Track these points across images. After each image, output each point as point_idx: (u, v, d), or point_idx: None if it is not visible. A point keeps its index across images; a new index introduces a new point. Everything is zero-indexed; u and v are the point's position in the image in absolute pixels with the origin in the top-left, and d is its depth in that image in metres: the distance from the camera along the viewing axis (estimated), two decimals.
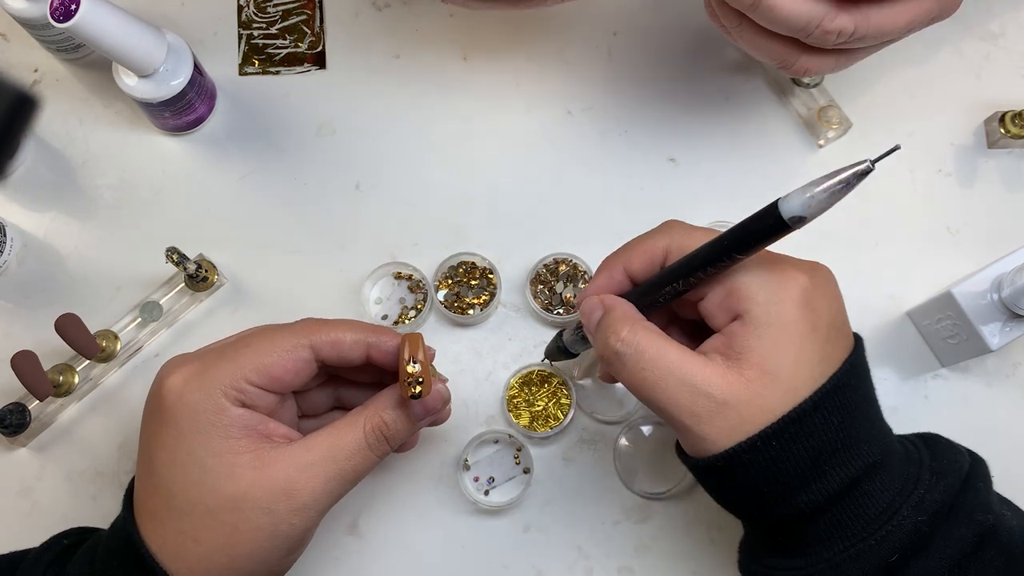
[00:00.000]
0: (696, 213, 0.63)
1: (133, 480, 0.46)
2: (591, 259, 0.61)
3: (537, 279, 0.62)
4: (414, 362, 0.43)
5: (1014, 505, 0.45)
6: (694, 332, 0.47)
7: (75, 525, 0.50)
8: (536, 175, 0.65)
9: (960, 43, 0.66)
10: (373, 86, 0.66)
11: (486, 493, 0.58)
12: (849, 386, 0.41)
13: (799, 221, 0.35)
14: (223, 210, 0.64)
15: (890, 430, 0.44)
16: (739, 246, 0.38)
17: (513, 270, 0.62)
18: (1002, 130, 0.62)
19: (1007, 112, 0.63)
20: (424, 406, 0.46)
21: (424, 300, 0.61)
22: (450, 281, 0.61)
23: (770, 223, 0.36)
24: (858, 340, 0.44)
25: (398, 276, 0.62)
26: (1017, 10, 0.67)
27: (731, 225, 0.60)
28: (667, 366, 0.40)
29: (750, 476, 0.40)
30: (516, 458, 0.59)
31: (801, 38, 0.47)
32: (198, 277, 0.60)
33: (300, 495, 0.42)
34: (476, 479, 0.59)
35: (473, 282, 0.61)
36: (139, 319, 0.60)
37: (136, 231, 0.63)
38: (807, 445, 0.39)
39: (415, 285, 0.62)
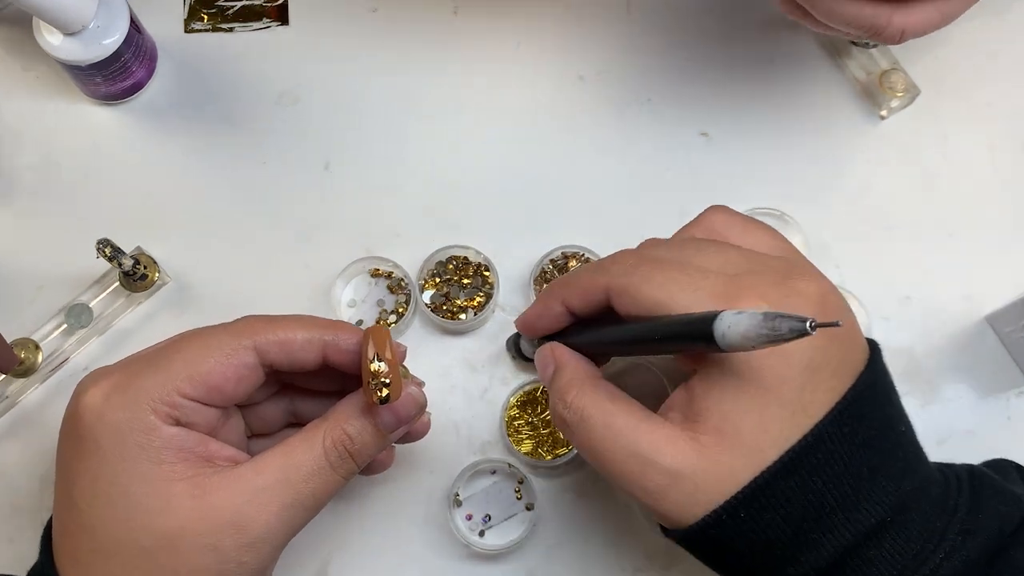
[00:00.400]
0: (733, 197, 0.56)
1: (51, 519, 0.43)
2: (604, 250, 0.57)
3: (542, 277, 0.58)
4: (379, 360, 0.41)
5: None
6: None
7: None
8: (541, 153, 0.61)
9: None
10: (346, 46, 0.63)
11: (481, 534, 0.55)
12: (840, 435, 0.38)
13: (728, 349, 0.34)
14: (166, 195, 0.60)
15: (921, 468, 0.41)
16: (666, 345, 0.39)
17: (513, 267, 0.59)
18: None
19: None
20: (394, 413, 0.44)
21: (407, 303, 0.57)
22: (438, 280, 0.58)
23: (702, 335, 0.35)
24: (872, 358, 0.41)
25: (375, 274, 0.58)
26: None
27: (770, 212, 0.59)
28: (614, 435, 0.40)
29: (728, 550, 0.39)
30: (517, 492, 0.55)
31: None
32: (135, 275, 0.56)
33: (250, 527, 0.40)
34: (469, 517, 0.55)
35: (465, 281, 0.58)
36: (64, 325, 0.56)
37: (61, 220, 0.60)
38: (783, 514, 0.38)
39: (396, 284, 0.58)
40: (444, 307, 0.57)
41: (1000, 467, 0.45)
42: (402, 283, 0.58)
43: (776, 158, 0.61)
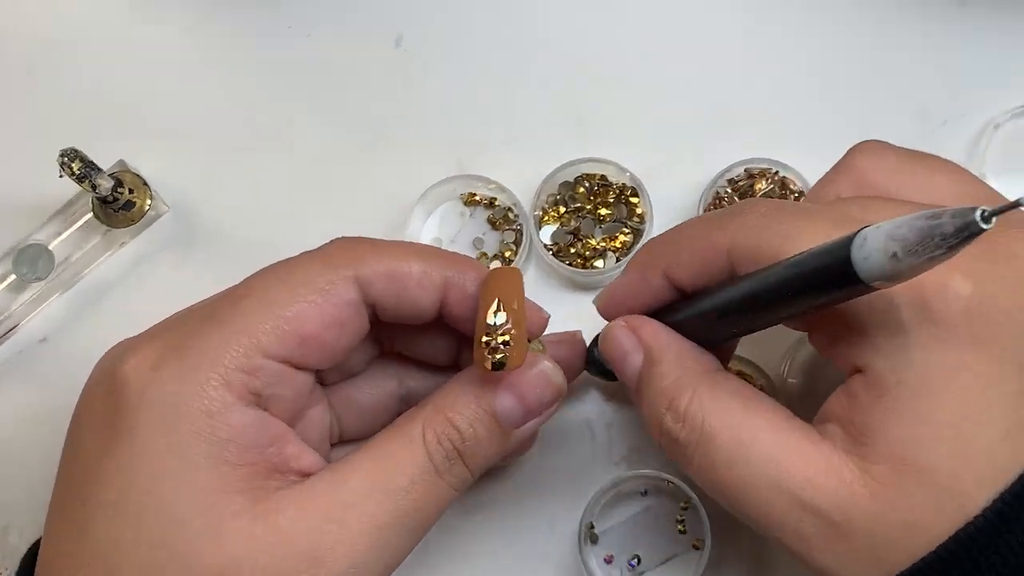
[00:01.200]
0: (997, 90, 0.51)
1: (35, 548, 0.38)
2: (810, 172, 0.47)
3: (717, 202, 0.49)
4: (501, 311, 0.37)
5: None
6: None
7: None
8: (714, 21, 0.52)
9: None
10: None
11: None
12: None
13: (883, 284, 0.29)
14: (160, 85, 0.52)
15: None
16: (800, 299, 0.32)
17: (672, 189, 0.49)
18: None
19: None
20: (519, 396, 0.38)
21: (516, 243, 0.49)
22: (563, 209, 0.49)
23: (837, 270, 0.29)
24: None
25: (470, 200, 0.50)
26: None
27: None
28: (751, 461, 0.34)
29: None
30: (680, 522, 0.47)
31: None
32: (117, 202, 0.48)
33: (333, 558, 0.35)
34: (609, 559, 0.47)
35: (603, 211, 0.49)
36: (12, 276, 0.49)
37: (10, 121, 0.52)
38: None
39: (501, 216, 0.50)
40: (572, 249, 0.48)
41: None
42: (510, 214, 0.49)
43: None
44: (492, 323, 0.37)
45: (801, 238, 0.33)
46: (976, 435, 0.32)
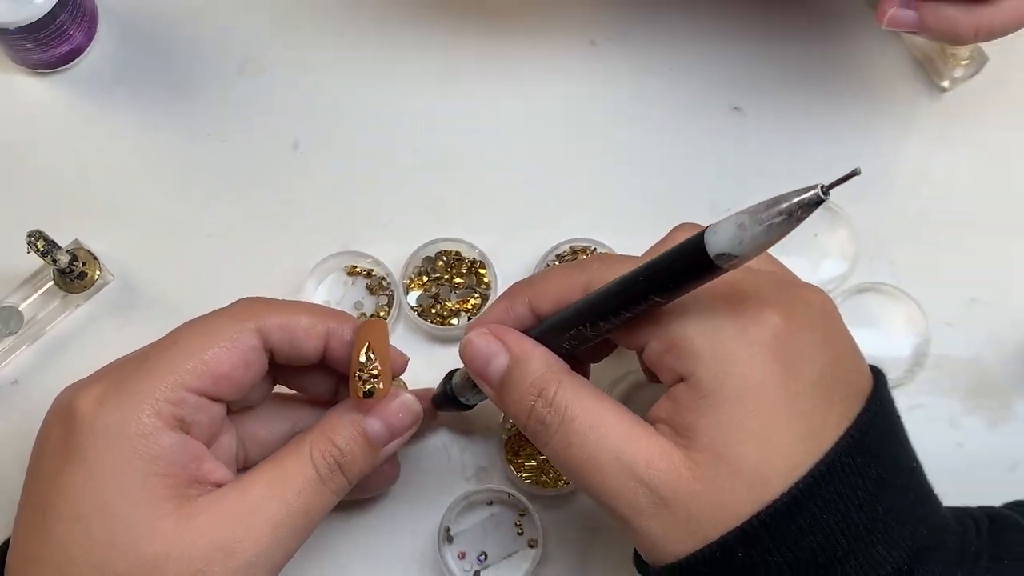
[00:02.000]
0: (767, 184, 0.57)
1: (5, 546, 0.42)
2: (622, 248, 0.54)
3: None
4: (369, 352, 0.42)
5: None
6: None
7: None
8: (546, 131, 0.59)
9: None
10: (322, 7, 0.60)
11: (476, 575, 0.52)
12: (851, 467, 0.37)
13: (729, 259, 0.32)
14: (109, 179, 0.58)
15: (936, 511, 0.40)
16: (656, 285, 0.36)
17: (512, 263, 0.56)
18: None
19: None
20: (384, 421, 0.43)
21: (389, 305, 0.55)
22: (425, 279, 0.55)
23: (695, 260, 0.34)
24: (877, 385, 0.40)
25: (352, 271, 0.56)
26: None
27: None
28: (601, 440, 0.38)
29: None
30: (518, 526, 0.52)
31: None
32: (72, 273, 0.53)
33: (240, 551, 0.40)
34: (463, 556, 0.52)
35: (458, 280, 0.55)
36: None
37: None
38: (788, 557, 0.36)
39: (376, 284, 0.55)
40: (433, 310, 0.54)
41: (1022, 509, 0.44)
42: (384, 282, 0.55)
43: (819, 138, 0.58)
44: (363, 361, 0.42)
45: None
46: (777, 437, 0.36)
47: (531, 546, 0.51)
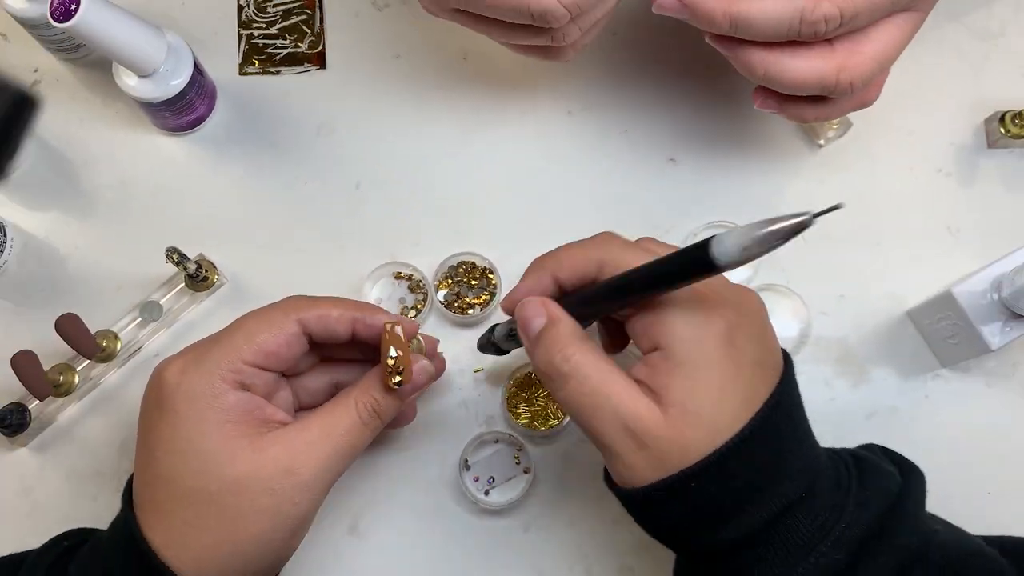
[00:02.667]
0: (697, 213, 0.63)
1: (131, 478, 0.46)
2: None
3: None
4: (393, 354, 0.45)
5: (945, 521, 0.45)
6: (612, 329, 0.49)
7: (75, 525, 0.50)
8: (536, 174, 0.65)
9: (960, 42, 0.67)
10: (373, 86, 0.66)
11: (486, 493, 0.58)
12: (772, 423, 0.40)
13: (727, 265, 0.34)
14: (223, 210, 0.64)
15: (819, 454, 0.43)
16: (669, 279, 0.38)
17: (513, 270, 0.61)
18: (1002, 130, 0.63)
19: (1007, 112, 0.63)
20: (412, 384, 0.47)
21: (424, 300, 0.61)
22: (450, 281, 0.61)
23: (700, 263, 0.35)
24: (787, 366, 0.43)
25: (398, 276, 0.62)
26: (1017, 10, 0.67)
27: (724, 225, 0.60)
28: (606, 394, 0.40)
29: (669, 512, 0.40)
30: (516, 458, 0.59)
31: (793, 37, 0.47)
32: (198, 277, 0.60)
33: (301, 472, 0.43)
34: (476, 479, 0.58)
35: (473, 282, 0.61)
36: (139, 319, 0.60)
37: (136, 231, 0.63)
38: (729, 487, 0.39)
39: (415, 285, 0.62)
40: (455, 304, 0.61)
41: (871, 449, 0.46)
42: (420, 284, 0.61)
43: (733, 180, 0.64)
44: (390, 363, 0.45)
45: (632, 258, 0.41)
46: (727, 399, 0.40)
47: (526, 472, 0.58)
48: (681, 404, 0.39)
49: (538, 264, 0.46)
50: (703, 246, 0.34)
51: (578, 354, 0.41)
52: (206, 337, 0.47)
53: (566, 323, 0.43)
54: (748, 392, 0.40)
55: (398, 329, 0.46)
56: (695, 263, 0.36)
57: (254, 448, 0.43)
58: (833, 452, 0.44)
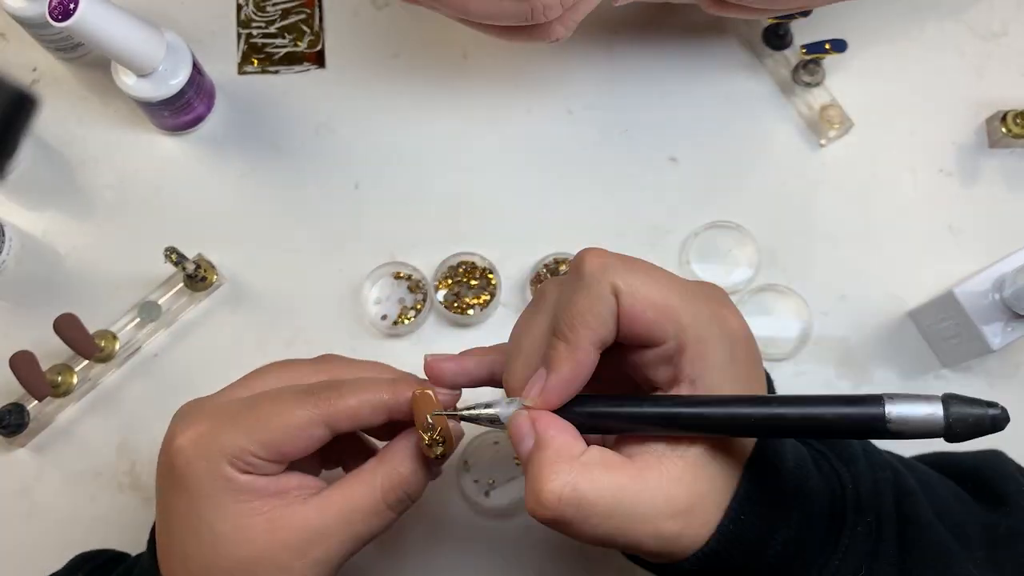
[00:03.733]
0: (696, 213, 0.64)
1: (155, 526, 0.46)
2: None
3: (537, 279, 0.62)
4: (429, 427, 0.42)
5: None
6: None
7: (74, 526, 0.51)
8: (536, 174, 0.65)
9: (961, 42, 0.67)
10: (373, 85, 0.66)
11: (487, 494, 0.58)
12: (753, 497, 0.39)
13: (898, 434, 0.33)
14: (222, 210, 0.64)
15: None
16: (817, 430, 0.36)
17: (513, 270, 0.63)
18: (1004, 129, 0.63)
19: (1009, 111, 0.63)
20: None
21: (423, 300, 0.62)
22: (450, 281, 0.62)
23: (875, 428, 0.33)
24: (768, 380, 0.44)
25: (397, 276, 0.63)
26: (1019, 9, 0.68)
27: (727, 225, 0.61)
28: (624, 512, 0.36)
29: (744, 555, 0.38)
30: (516, 458, 0.58)
31: None
32: (197, 277, 0.60)
33: (316, 554, 0.42)
34: (477, 480, 0.58)
35: (473, 282, 0.62)
36: (138, 319, 0.61)
37: (135, 231, 0.64)
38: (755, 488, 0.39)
39: (415, 285, 0.62)
40: (455, 304, 0.61)
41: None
42: (420, 284, 0.62)
43: (734, 179, 0.64)
44: (427, 434, 0.42)
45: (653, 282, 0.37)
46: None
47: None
48: (693, 457, 0.38)
49: (568, 327, 0.38)
50: (877, 416, 0.33)
51: (572, 484, 0.36)
52: (225, 396, 0.44)
53: (555, 441, 0.37)
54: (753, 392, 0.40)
55: (429, 392, 0.42)
56: (863, 423, 0.33)
57: (268, 529, 0.42)
58: (830, 471, 0.42)
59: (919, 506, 0.41)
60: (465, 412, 0.42)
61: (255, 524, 0.41)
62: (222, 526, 0.41)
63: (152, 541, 0.45)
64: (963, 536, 0.41)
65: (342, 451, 0.48)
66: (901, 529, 0.40)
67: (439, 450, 0.42)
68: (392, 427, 0.44)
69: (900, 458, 0.45)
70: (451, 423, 0.43)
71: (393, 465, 0.43)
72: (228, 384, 0.45)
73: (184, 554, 0.42)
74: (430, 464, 0.44)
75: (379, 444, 0.48)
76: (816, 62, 0.64)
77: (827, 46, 0.62)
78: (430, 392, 0.42)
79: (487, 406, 0.41)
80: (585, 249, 0.39)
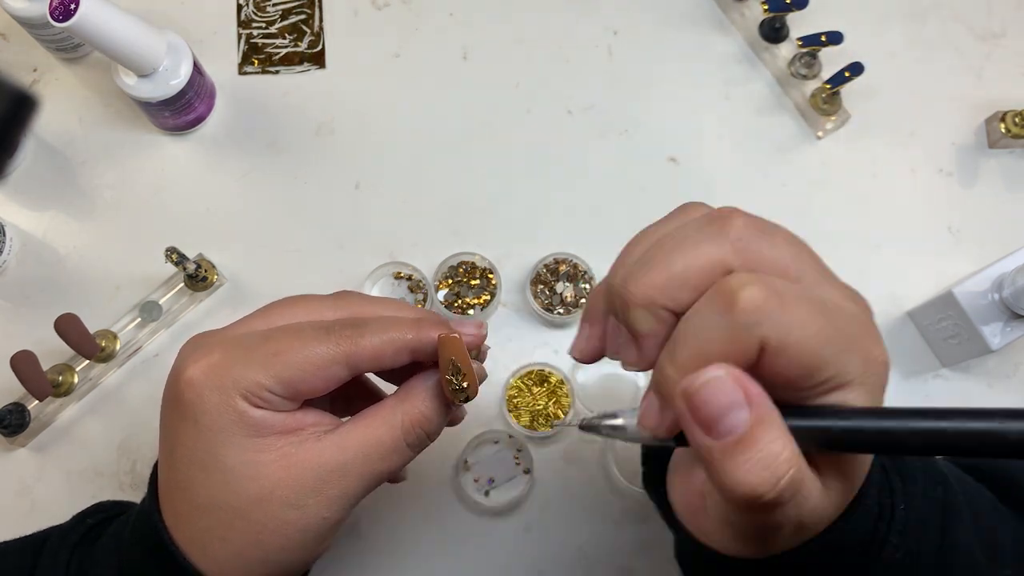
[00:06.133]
0: None
1: (157, 464, 0.44)
2: (591, 259, 0.62)
3: (537, 279, 0.62)
4: (456, 372, 0.40)
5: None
6: None
7: None
8: (536, 175, 0.65)
9: (961, 43, 0.67)
10: (373, 85, 0.67)
11: (486, 494, 0.58)
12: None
13: None
14: (222, 210, 0.65)
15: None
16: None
17: (513, 270, 0.63)
18: (1003, 129, 0.63)
19: (1008, 111, 0.63)
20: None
21: (424, 300, 0.61)
22: (450, 281, 0.62)
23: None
24: None
25: (398, 276, 0.63)
26: (1018, 9, 0.68)
27: None
28: (812, 513, 0.32)
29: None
30: (516, 458, 0.59)
31: None
32: (197, 277, 0.60)
33: (332, 492, 0.40)
34: (476, 480, 0.59)
35: (473, 282, 0.62)
36: (138, 319, 0.61)
37: (135, 231, 0.64)
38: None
39: (415, 285, 0.62)
40: (455, 304, 0.61)
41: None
42: (420, 284, 0.62)
43: (732, 179, 0.65)
44: (451, 378, 0.40)
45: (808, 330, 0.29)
46: None
47: (526, 472, 0.58)
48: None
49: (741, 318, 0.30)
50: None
51: (797, 471, 0.29)
52: (242, 328, 0.42)
53: (781, 426, 0.30)
54: None
55: (456, 335, 0.40)
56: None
57: (282, 465, 0.40)
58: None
59: (960, 529, 0.38)
60: (585, 422, 0.36)
61: (268, 460, 0.39)
62: (233, 461, 0.39)
63: (152, 483, 0.43)
64: (994, 550, 0.39)
65: (350, 394, 0.47)
66: (939, 558, 0.37)
67: (463, 395, 0.40)
68: (403, 369, 0.42)
69: (948, 465, 0.42)
70: (475, 366, 0.41)
71: (414, 403, 0.42)
72: (242, 316, 0.43)
73: (190, 489, 0.40)
74: (451, 406, 0.42)
75: (383, 390, 0.47)
76: (813, 55, 0.64)
77: (823, 38, 0.62)
78: (457, 335, 0.40)
79: (611, 416, 0.35)
80: (741, 277, 0.30)
